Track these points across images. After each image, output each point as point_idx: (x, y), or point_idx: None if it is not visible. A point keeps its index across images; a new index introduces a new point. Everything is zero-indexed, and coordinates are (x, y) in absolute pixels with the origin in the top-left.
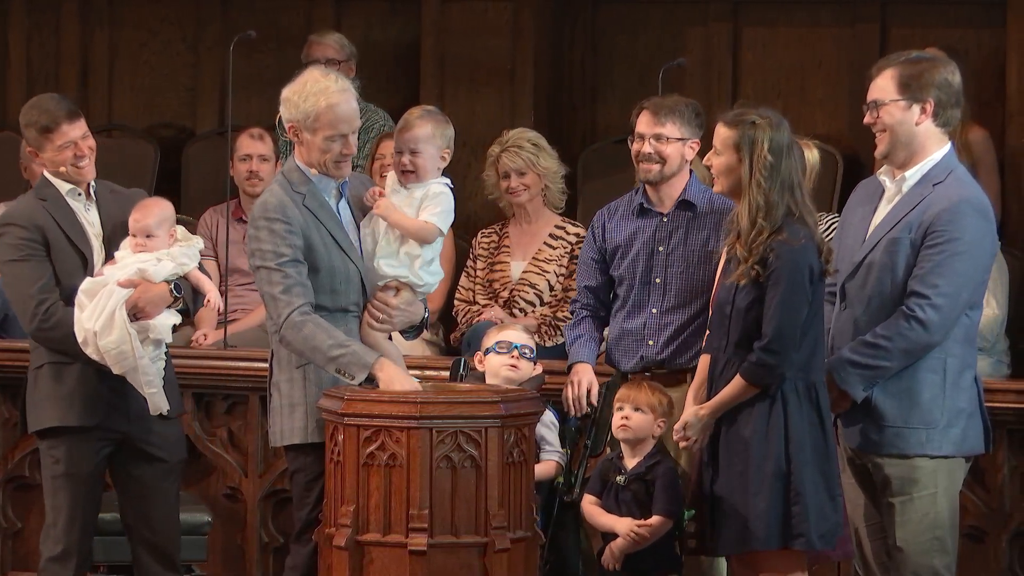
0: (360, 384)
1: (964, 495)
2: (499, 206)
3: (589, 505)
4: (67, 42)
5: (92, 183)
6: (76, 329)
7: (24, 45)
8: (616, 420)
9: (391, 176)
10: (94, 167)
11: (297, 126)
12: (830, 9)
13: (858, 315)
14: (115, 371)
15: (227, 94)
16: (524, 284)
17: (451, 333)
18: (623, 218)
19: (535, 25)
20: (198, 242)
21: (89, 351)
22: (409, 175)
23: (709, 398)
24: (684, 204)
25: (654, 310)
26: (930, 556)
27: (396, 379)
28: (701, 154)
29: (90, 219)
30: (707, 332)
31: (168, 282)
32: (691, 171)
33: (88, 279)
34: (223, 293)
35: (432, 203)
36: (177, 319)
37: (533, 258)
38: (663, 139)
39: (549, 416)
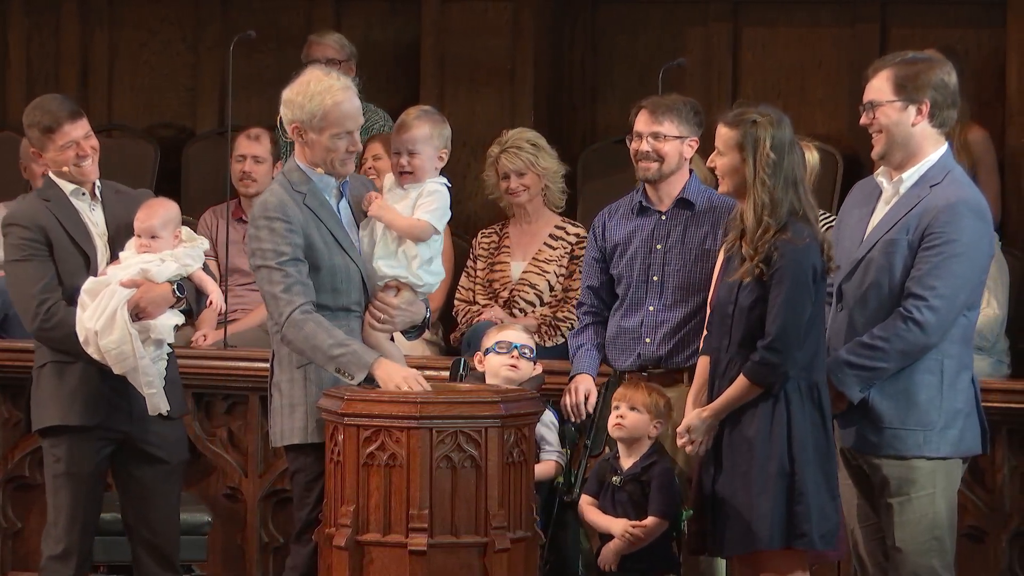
0: (360, 384)
1: (964, 495)
2: (499, 206)
3: (586, 506)
4: (67, 42)
5: (97, 183)
6: (78, 328)
7: (24, 45)
8: (611, 419)
9: (388, 177)
10: (97, 167)
11: (301, 126)
12: (830, 9)
13: (855, 316)
14: (116, 371)
15: (227, 94)
16: (524, 284)
17: (451, 333)
18: (623, 217)
19: (535, 25)
20: (203, 243)
21: (90, 350)
22: (407, 176)
23: (711, 399)
24: (682, 202)
25: (651, 307)
26: (929, 556)
27: (394, 373)
28: (703, 155)
29: (94, 219)
30: (705, 333)
31: (171, 282)
32: (691, 171)
33: (91, 279)
34: (223, 293)
35: (427, 201)
36: (180, 320)
37: (533, 258)
38: (661, 137)
39: (549, 416)
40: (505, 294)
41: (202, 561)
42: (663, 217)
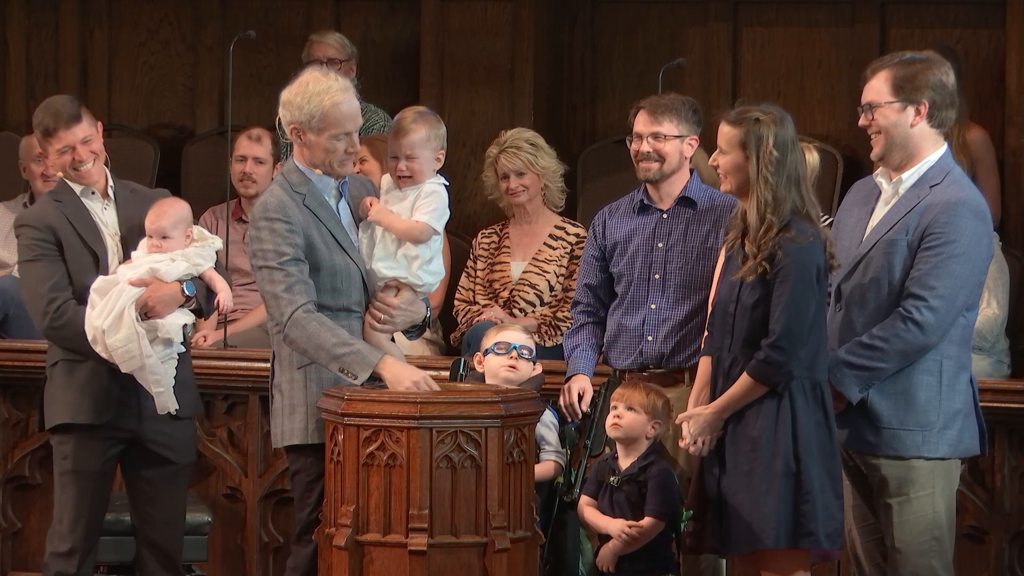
0: (363, 384)
1: (964, 495)
2: (499, 206)
3: (585, 507)
4: (67, 42)
5: (111, 183)
6: (86, 327)
7: (24, 45)
8: (609, 419)
9: (386, 178)
10: (102, 169)
11: (300, 127)
12: (829, 9)
13: (854, 316)
14: (123, 370)
15: (227, 94)
16: (524, 284)
17: (451, 333)
18: (623, 215)
19: (535, 25)
20: (215, 242)
21: (98, 349)
22: (406, 180)
23: (713, 398)
24: (684, 201)
25: (653, 306)
26: (928, 557)
27: (402, 375)
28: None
29: (105, 219)
30: (706, 334)
31: (180, 282)
32: (692, 170)
33: (100, 277)
34: None
35: (425, 202)
36: (189, 319)
37: (533, 258)
38: (661, 137)
39: (549, 416)
40: (505, 294)
41: (202, 561)
42: (664, 216)
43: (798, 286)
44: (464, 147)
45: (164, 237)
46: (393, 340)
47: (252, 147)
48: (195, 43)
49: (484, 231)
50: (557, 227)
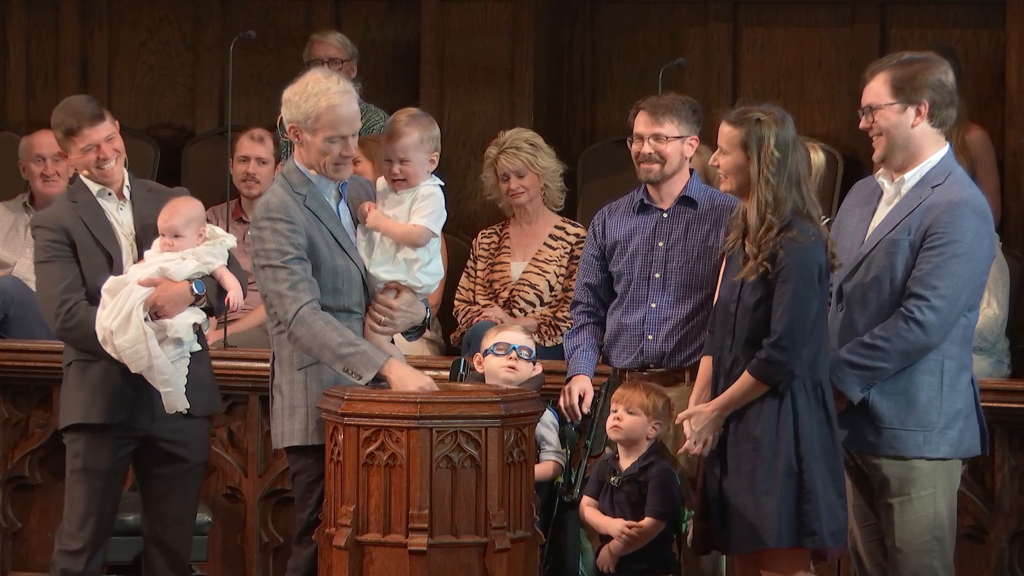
0: (367, 384)
1: (964, 495)
2: (498, 207)
3: (586, 507)
4: (67, 42)
5: (127, 182)
6: (97, 327)
7: (24, 45)
8: (609, 421)
9: (381, 181)
10: (122, 168)
11: (297, 127)
12: (829, 9)
13: (855, 316)
14: (132, 370)
15: (227, 94)
16: (524, 284)
17: (451, 333)
18: (623, 215)
19: (535, 25)
20: (227, 240)
21: (108, 349)
22: (400, 183)
23: (714, 398)
24: (685, 200)
25: (653, 305)
26: (930, 557)
27: (408, 379)
28: (705, 153)
29: (120, 219)
30: (707, 334)
31: (190, 280)
32: (692, 170)
33: (112, 278)
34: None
35: (422, 206)
36: (200, 317)
37: (533, 258)
38: (662, 138)
39: (549, 416)
40: (505, 294)
41: (202, 561)
42: (665, 215)
43: (800, 286)
44: (464, 147)
45: (176, 236)
46: (392, 341)
47: (255, 147)
48: (195, 43)
49: (484, 231)
50: (557, 227)
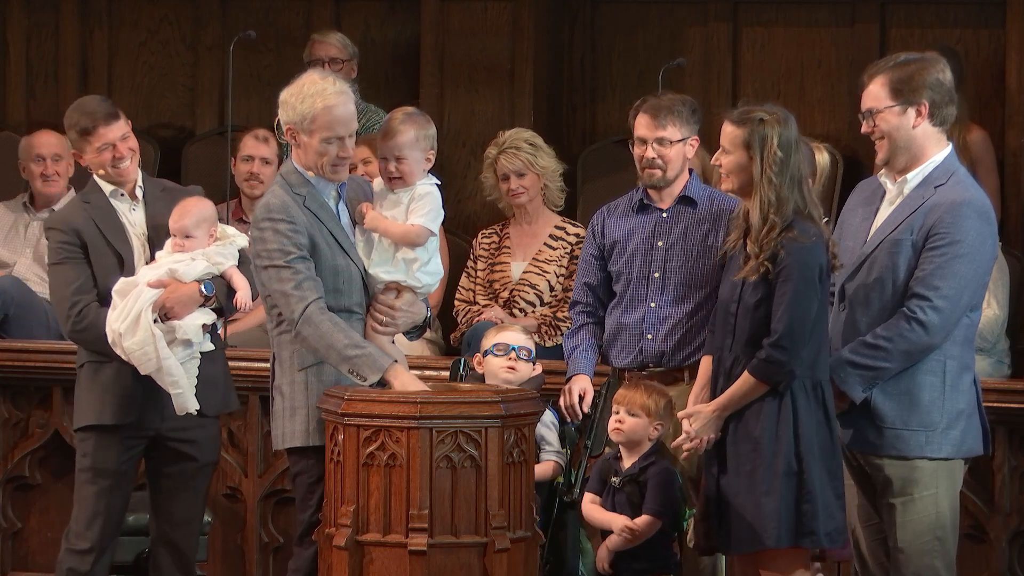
0: (370, 386)
1: (964, 495)
2: (498, 207)
3: (588, 504)
4: (67, 42)
5: (140, 182)
6: (106, 329)
7: (24, 45)
8: (611, 423)
9: (378, 181)
10: (136, 167)
11: (294, 128)
12: (829, 9)
13: (857, 316)
14: (141, 372)
15: (227, 94)
16: (524, 284)
17: (451, 333)
18: (623, 214)
19: (535, 25)
20: (238, 240)
21: (118, 351)
22: (396, 182)
23: (713, 398)
24: (684, 200)
25: (653, 304)
26: (931, 557)
27: (410, 386)
28: (702, 153)
29: (132, 219)
30: (707, 333)
31: (199, 281)
32: (690, 169)
33: (122, 279)
34: None
35: (418, 205)
36: (209, 319)
37: (533, 259)
38: (666, 143)
39: (549, 416)
40: (505, 294)
41: (202, 561)
42: (665, 215)
43: (800, 286)
44: (464, 147)
45: (187, 236)
46: (393, 342)
47: (259, 147)
48: (195, 43)
49: (484, 231)
50: (557, 227)
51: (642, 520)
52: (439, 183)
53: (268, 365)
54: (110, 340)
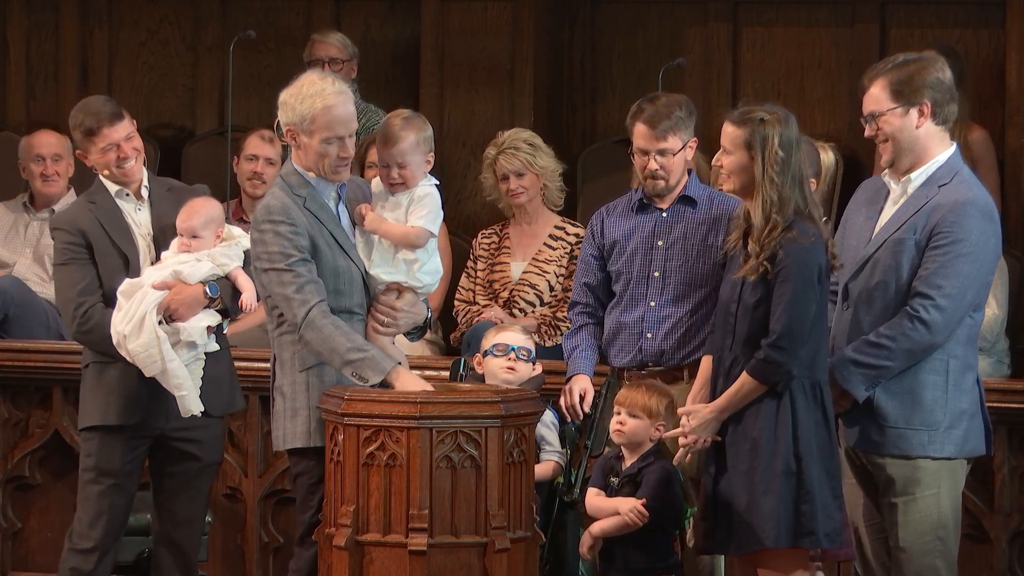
0: (372, 387)
1: (964, 495)
2: (498, 207)
3: (591, 497)
4: (67, 42)
5: (145, 182)
6: (112, 331)
7: (24, 45)
8: (612, 424)
9: (376, 182)
10: (141, 167)
11: (294, 129)
12: (829, 9)
13: (861, 315)
14: (146, 374)
15: (227, 94)
16: (524, 284)
17: (451, 333)
18: (622, 214)
19: (534, 25)
20: (243, 241)
21: (123, 352)
22: (399, 186)
23: (713, 397)
24: (684, 199)
25: (652, 303)
26: (933, 556)
27: (412, 388)
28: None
29: (138, 220)
30: (709, 332)
31: (204, 283)
32: (689, 169)
33: (127, 280)
34: None
35: (418, 206)
36: (215, 320)
37: (533, 259)
38: (668, 154)
39: (549, 416)
40: (505, 294)
41: (202, 561)
42: (664, 214)
43: (799, 286)
44: (464, 147)
45: (194, 236)
46: (393, 342)
47: (263, 147)
48: (195, 43)
49: (484, 231)
50: (557, 227)
51: (628, 503)
52: (438, 183)
53: (268, 365)
54: (115, 342)
